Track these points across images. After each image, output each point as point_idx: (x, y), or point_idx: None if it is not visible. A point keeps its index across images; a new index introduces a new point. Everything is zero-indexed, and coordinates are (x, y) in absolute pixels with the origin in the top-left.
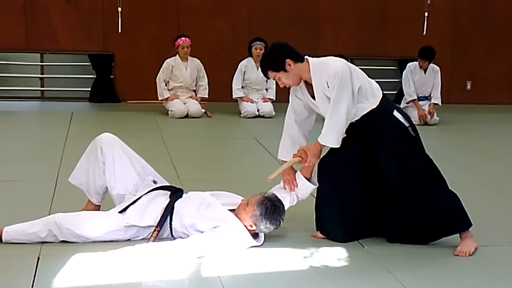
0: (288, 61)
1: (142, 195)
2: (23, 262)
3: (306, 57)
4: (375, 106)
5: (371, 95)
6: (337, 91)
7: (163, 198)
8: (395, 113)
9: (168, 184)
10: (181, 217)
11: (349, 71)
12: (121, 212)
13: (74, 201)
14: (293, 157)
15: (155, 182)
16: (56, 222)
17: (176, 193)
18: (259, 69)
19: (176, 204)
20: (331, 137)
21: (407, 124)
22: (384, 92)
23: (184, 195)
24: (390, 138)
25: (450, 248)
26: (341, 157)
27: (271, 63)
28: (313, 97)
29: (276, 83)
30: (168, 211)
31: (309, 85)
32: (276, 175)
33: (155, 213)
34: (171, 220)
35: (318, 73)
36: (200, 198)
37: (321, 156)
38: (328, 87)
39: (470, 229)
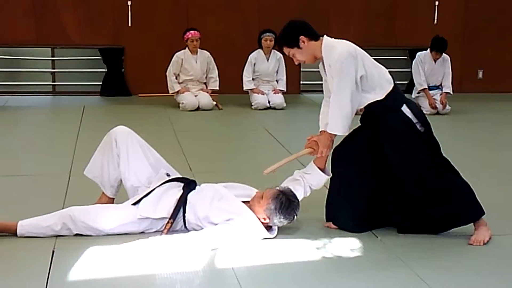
0: (302, 38)
1: (156, 187)
2: (38, 255)
3: (324, 36)
4: (380, 98)
5: (379, 86)
6: (339, 79)
7: (176, 190)
8: (404, 108)
9: (181, 176)
10: (195, 209)
11: (354, 58)
12: (134, 204)
13: (87, 195)
14: (304, 148)
15: (168, 175)
16: (71, 215)
17: (189, 185)
18: (269, 60)
19: (189, 196)
20: (338, 125)
21: (415, 120)
22: (396, 83)
23: (197, 187)
24: (396, 132)
25: (464, 237)
26: (354, 148)
27: (286, 39)
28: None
29: (287, 72)
30: (181, 202)
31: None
32: (277, 167)
33: (169, 205)
34: (184, 212)
35: (326, 54)
36: (213, 190)
37: (334, 146)
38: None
39: (484, 218)
